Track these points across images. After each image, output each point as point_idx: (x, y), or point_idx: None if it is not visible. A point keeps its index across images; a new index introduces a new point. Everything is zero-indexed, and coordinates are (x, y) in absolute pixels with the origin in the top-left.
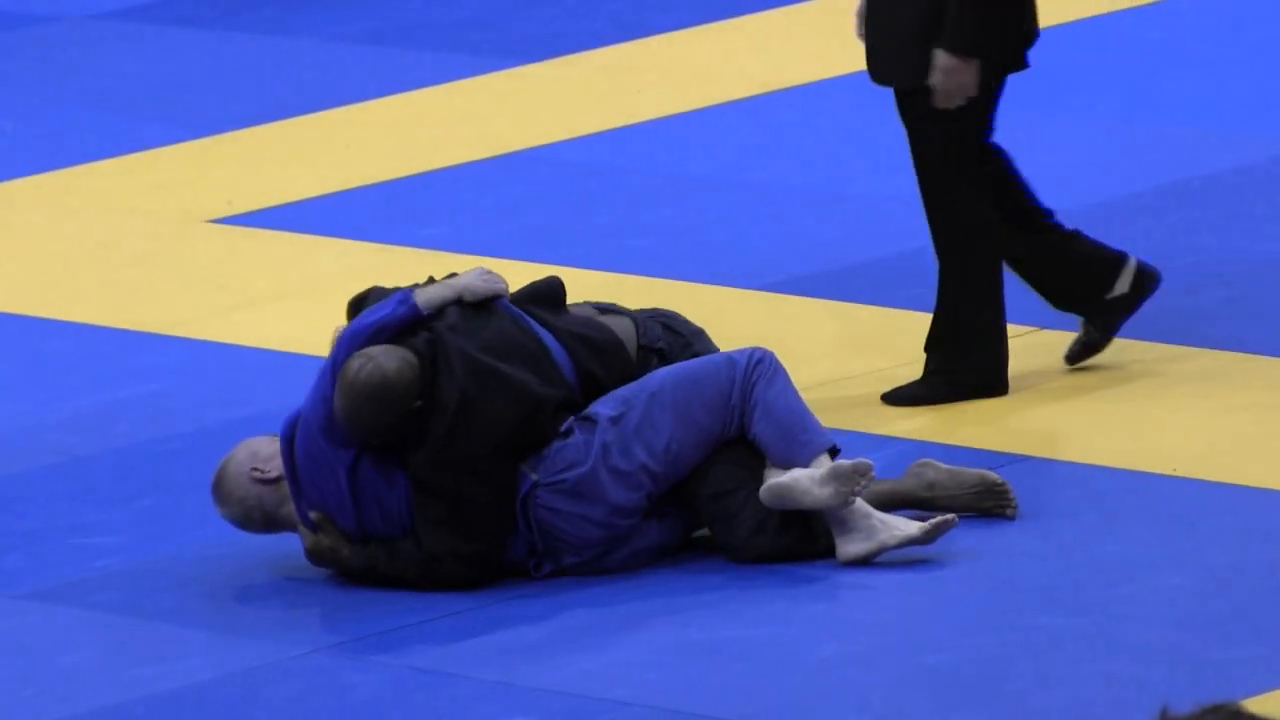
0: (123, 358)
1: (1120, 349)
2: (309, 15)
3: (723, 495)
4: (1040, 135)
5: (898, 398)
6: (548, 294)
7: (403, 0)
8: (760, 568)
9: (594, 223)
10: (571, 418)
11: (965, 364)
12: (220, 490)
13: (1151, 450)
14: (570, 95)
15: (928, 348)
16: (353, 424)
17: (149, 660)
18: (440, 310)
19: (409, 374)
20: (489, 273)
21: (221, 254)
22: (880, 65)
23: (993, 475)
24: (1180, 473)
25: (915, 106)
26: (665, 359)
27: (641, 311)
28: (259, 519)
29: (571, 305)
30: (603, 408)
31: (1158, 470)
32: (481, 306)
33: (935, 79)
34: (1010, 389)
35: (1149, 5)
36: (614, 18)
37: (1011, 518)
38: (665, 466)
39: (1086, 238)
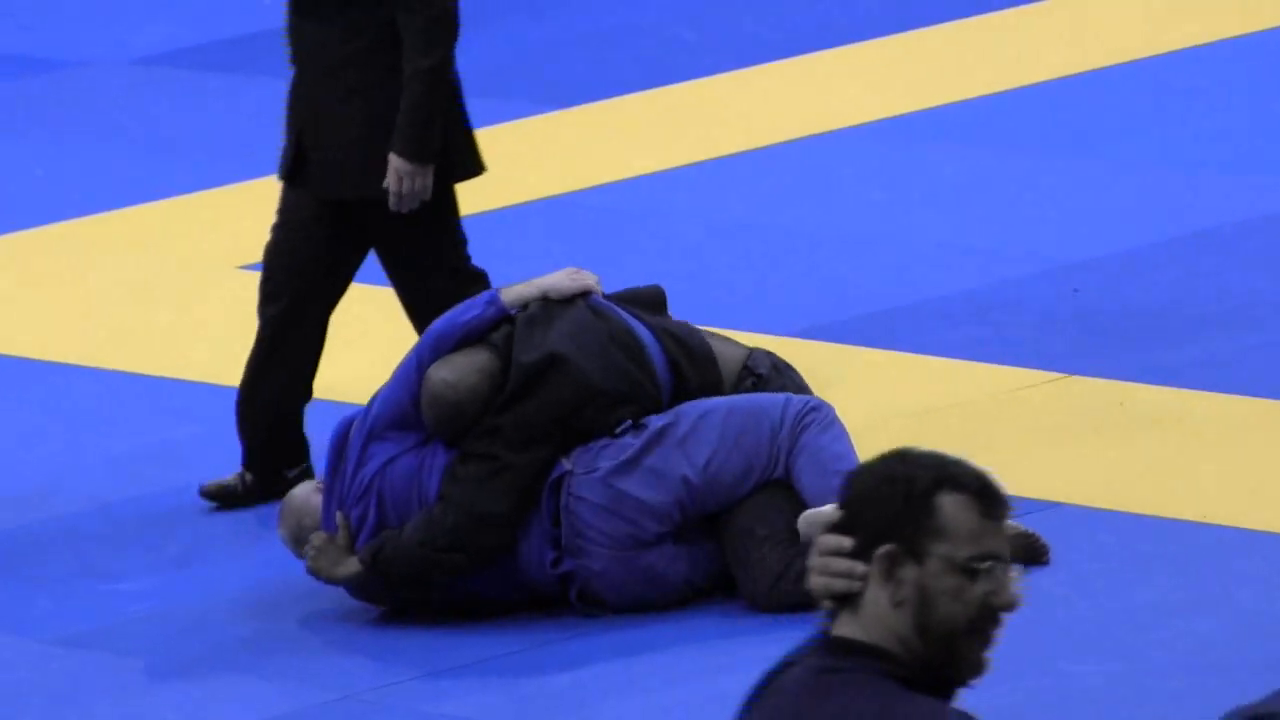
0: (154, 403)
1: (1149, 394)
2: None
3: (751, 538)
4: (1071, 181)
5: None
6: (648, 298)
7: None
8: (788, 616)
9: (626, 267)
10: (629, 421)
11: None
12: (284, 506)
13: (1181, 496)
14: (603, 140)
15: None
16: (431, 429)
17: (177, 707)
18: (525, 308)
19: (484, 386)
20: (578, 272)
21: (253, 299)
22: (329, 178)
23: (1025, 529)
24: (1210, 519)
25: (377, 217)
26: (759, 387)
27: (766, 352)
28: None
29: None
30: (657, 418)
31: (1188, 516)
32: (567, 302)
33: (390, 182)
34: (1037, 435)
35: (1179, 51)
36: (645, 63)
37: (1044, 564)
38: (702, 481)
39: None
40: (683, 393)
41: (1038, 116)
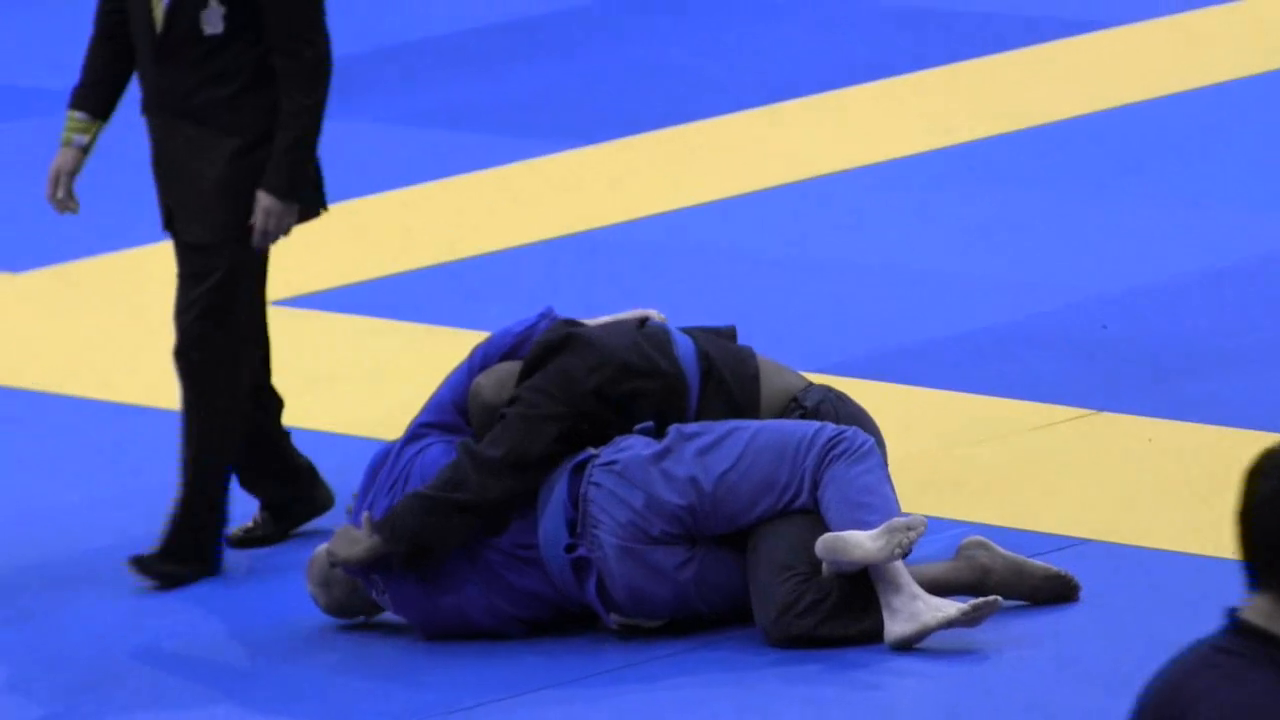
0: (174, 438)
1: (1178, 430)
2: (365, 98)
3: (771, 566)
4: (1100, 216)
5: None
6: (717, 329)
7: (459, 83)
8: (808, 652)
9: (654, 303)
10: (651, 424)
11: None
12: (310, 561)
13: (1210, 532)
14: (630, 176)
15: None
16: (475, 433)
17: None
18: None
19: (511, 386)
20: (640, 310)
21: (278, 336)
22: (193, 223)
23: (1057, 570)
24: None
25: (217, 258)
26: (808, 416)
27: (825, 388)
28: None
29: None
30: (680, 425)
31: (1217, 553)
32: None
33: (258, 220)
34: (1066, 472)
35: (1210, 87)
36: (670, 99)
37: (1074, 601)
38: (713, 490)
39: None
40: (713, 388)
41: (1066, 152)
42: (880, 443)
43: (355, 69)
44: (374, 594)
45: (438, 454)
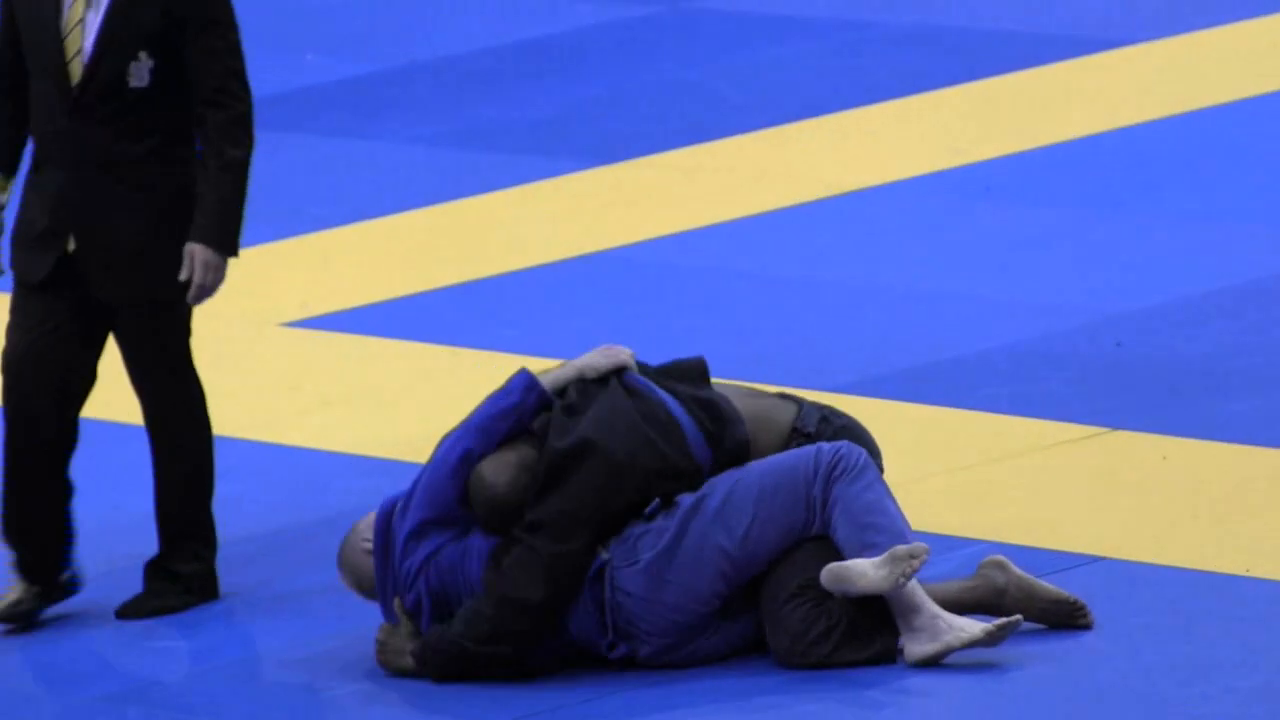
0: None
1: (1192, 448)
2: (384, 118)
3: (782, 592)
4: (1114, 234)
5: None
6: (689, 370)
7: (477, 103)
8: (820, 672)
9: (669, 323)
10: (657, 501)
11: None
12: (339, 556)
13: (1225, 550)
14: (645, 196)
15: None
16: (479, 520)
17: None
18: (563, 391)
19: (525, 479)
20: (611, 348)
21: (296, 357)
22: (109, 280)
23: (1067, 595)
24: (1254, 573)
25: (153, 320)
26: (810, 440)
27: (817, 406)
28: (369, 589)
29: (735, 387)
30: (688, 496)
31: (1231, 571)
32: (602, 381)
33: (198, 275)
34: (1080, 489)
35: (1222, 105)
36: (688, 119)
37: (1084, 628)
38: (741, 553)
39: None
40: (719, 460)
41: (1080, 171)
42: (875, 451)
43: (374, 89)
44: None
45: (451, 558)
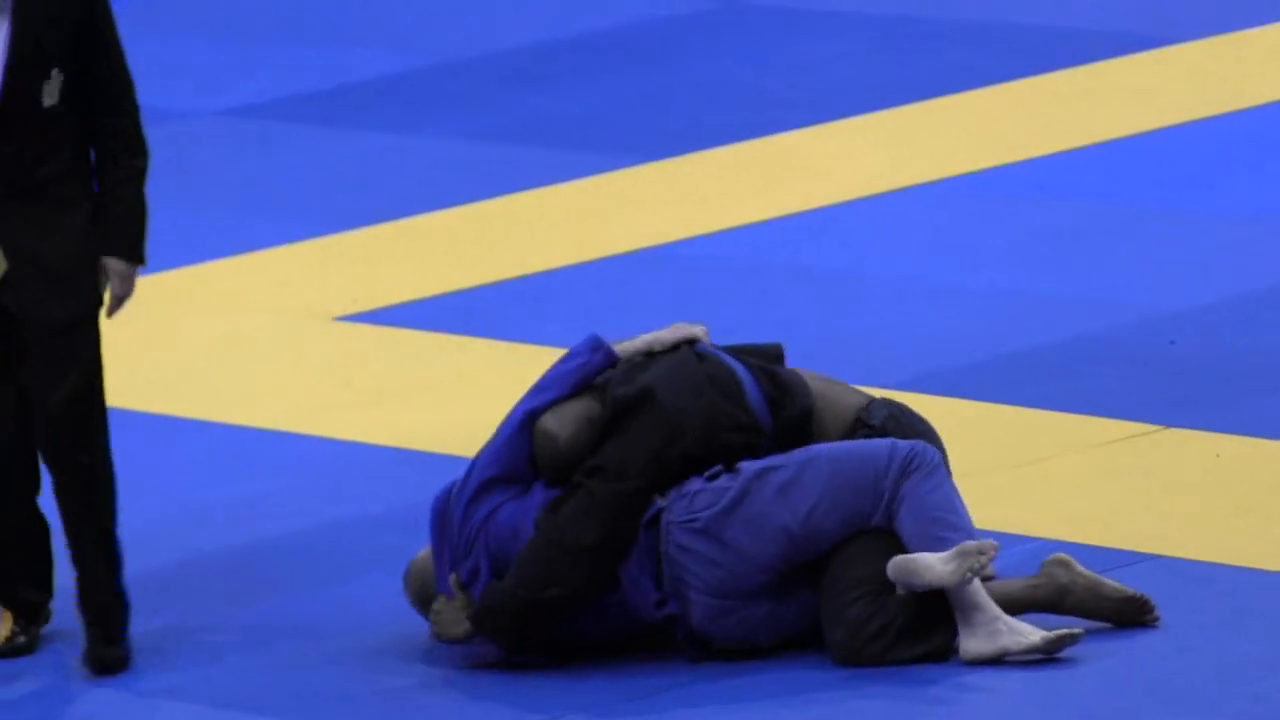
0: (248, 455)
1: (1245, 446)
2: (434, 113)
3: (841, 586)
4: (1167, 232)
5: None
6: (764, 351)
7: (527, 99)
8: (877, 669)
9: (718, 320)
10: (720, 465)
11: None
12: (407, 572)
13: (1278, 547)
14: (694, 192)
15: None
16: (542, 474)
17: None
18: (631, 360)
19: (586, 433)
20: (683, 325)
21: (347, 351)
22: (40, 300)
23: (1134, 593)
24: None
25: (82, 336)
26: (871, 438)
27: (887, 402)
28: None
29: (808, 371)
30: (753, 463)
31: None
32: (671, 350)
33: (117, 287)
34: (1134, 487)
35: (1275, 104)
36: (737, 115)
37: (1151, 625)
38: (803, 532)
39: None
40: (780, 428)
41: (1133, 168)
42: (943, 453)
43: (420, 85)
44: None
45: (511, 516)
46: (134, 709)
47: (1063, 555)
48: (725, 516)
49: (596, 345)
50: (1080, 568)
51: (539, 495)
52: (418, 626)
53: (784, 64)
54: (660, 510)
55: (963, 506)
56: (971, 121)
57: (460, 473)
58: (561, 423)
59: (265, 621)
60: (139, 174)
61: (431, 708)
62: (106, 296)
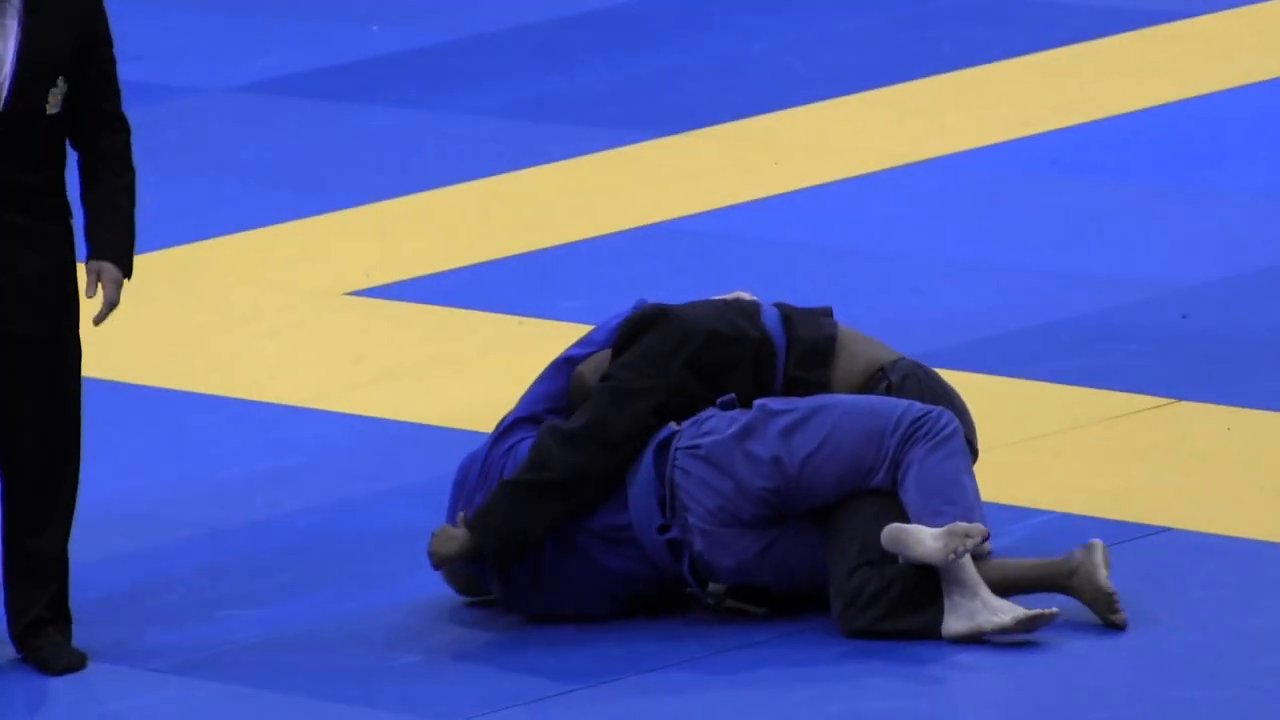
0: (261, 431)
1: (1257, 419)
2: (448, 89)
3: (844, 556)
4: (1179, 207)
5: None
6: (813, 309)
7: (541, 74)
8: (878, 645)
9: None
10: (732, 395)
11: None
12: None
13: None
14: (708, 167)
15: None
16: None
17: None
18: None
19: None
20: (735, 294)
21: (359, 327)
22: (22, 311)
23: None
24: None
25: (51, 355)
26: (890, 393)
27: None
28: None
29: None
30: (767, 400)
31: None
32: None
33: (109, 292)
34: (1146, 461)
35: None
36: (751, 91)
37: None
38: (801, 472)
39: None
40: (794, 348)
41: (1146, 143)
42: (967, 419)
43: (438, 61)
44: (484, 582)
45: (527, 448)
46: (148, 685)
47: (1099, 542)
48: (729, 445)
49: (639, 305)
50: (1099, 556)
51: None
52: (436, 602)
53: (799, 39)
54: (673, 435)
55: (970, 481)
56: (986, 97)
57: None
58: (596, 369)
59: (281, 598)
60: (131, 187)
61: (450, 682)
62: (98, 301)
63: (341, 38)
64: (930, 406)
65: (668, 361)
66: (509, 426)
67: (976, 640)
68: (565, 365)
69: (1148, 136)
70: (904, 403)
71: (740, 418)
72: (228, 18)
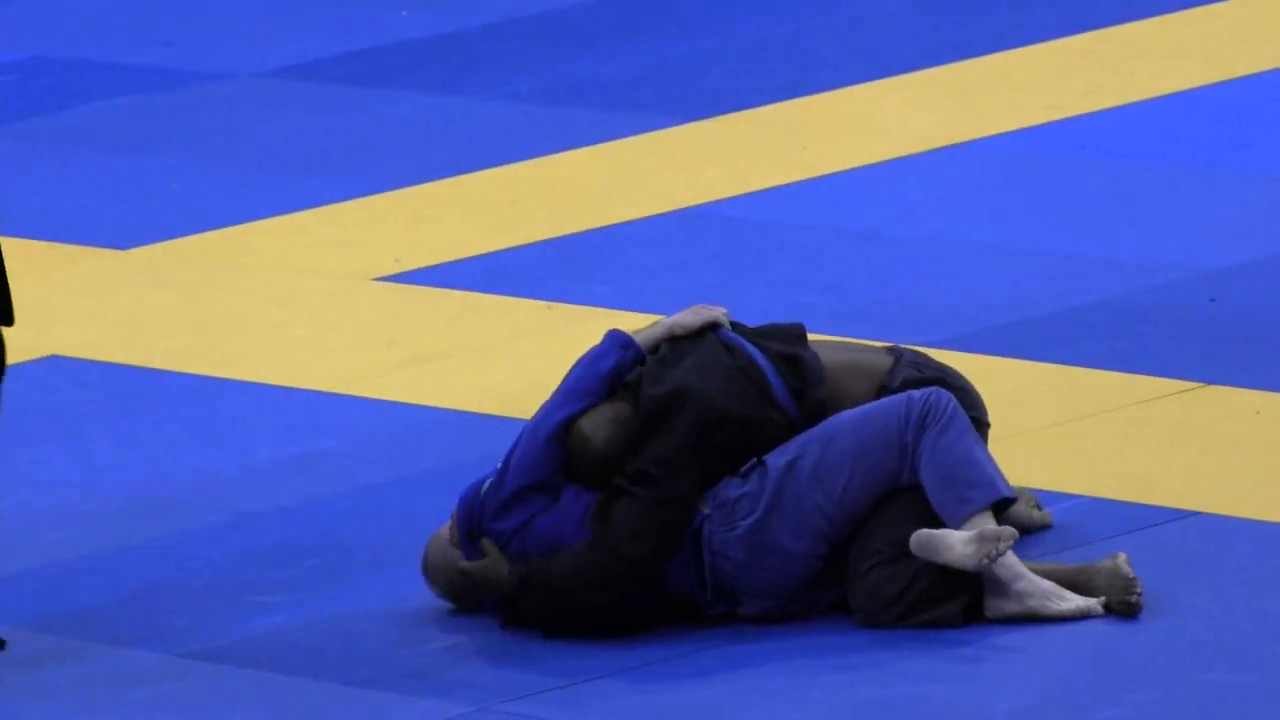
0: (290, 416)
1: None
2: (478, 74)
3: (863, 551)
4: (1207, 190)
5: None
6: (786, 332)
7: (571, 59)
8: (908, 630)
9: (763, 279)
10: (753, 459)
11: None
12: (425, 562)
13: None
14: (739, 152)
15: None
16: (576, 476)
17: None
18: (655, 349)
19: (622, 434)
20: (703, 308)
21: (389, 312)
22: None
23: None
24: None
25: None
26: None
27: (916, 356)
28: (461, 592)
29: (834, 341)
30: (777, 457)
31: None
32: (696, 336)
33: None
34: (1174, 444)
35: None
36: (782, 74)
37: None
38: (841, 511)
39: None
40: (802, 415)
41: (1175, 126)
42: (970, 394)
43: (468, 45)
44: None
45: (548, 526)
46: (175, 670)
47: (1124, 557)
48: (763, 522)
49: (626, 343)
50: (1123, 558)
51: (570, 500)
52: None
53: (828, 23)
54: (704, 520)
55: (984, 453)
56: (1016, 81)
57: (489, 472)
58: (595, 425)
59: (307, 583)
60: None
61: (479, 668)
62: None
63: (370, 22)
64: (928, 390)
65: (702, 455)
66: (516, 494)
67: (1024, 621)
68: (561, 429)
69: (1177, 120)
70: (902, 398)
71: (763, 488)
72: (256, 3)
